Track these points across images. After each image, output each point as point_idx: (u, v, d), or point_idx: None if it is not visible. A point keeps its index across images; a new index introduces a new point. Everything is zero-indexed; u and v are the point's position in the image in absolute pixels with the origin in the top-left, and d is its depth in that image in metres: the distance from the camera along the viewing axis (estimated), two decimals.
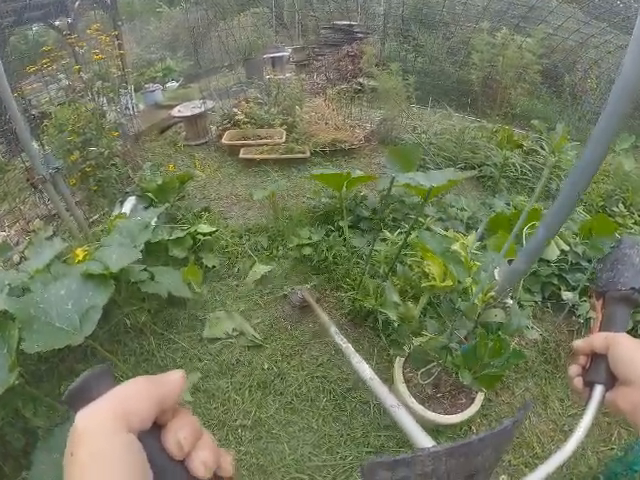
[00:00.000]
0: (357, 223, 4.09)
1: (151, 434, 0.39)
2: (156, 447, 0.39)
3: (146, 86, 8.96)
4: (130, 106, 7.78)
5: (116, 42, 5.27)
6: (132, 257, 2.88)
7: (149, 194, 4.00)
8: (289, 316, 3.47)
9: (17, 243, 4.72)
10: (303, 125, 5.85)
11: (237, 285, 3.78)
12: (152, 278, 3.15)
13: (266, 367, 3.04)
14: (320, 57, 10.57)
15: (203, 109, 6.39)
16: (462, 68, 8.06)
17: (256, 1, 11.94)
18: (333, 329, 2.49)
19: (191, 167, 5.29)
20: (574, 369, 0.72)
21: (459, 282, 2.08)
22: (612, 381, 0.65)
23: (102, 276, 2.60)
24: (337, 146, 5.65)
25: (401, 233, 3.59)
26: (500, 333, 1.78)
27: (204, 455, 0.40)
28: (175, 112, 6.56)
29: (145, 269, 3.13)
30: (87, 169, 3.85)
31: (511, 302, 1.92)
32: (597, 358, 0.68)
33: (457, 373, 1.87)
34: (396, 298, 2.52)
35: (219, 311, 3.45)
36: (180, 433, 0.40)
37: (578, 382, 0.70)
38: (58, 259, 3.06)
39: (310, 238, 3.81)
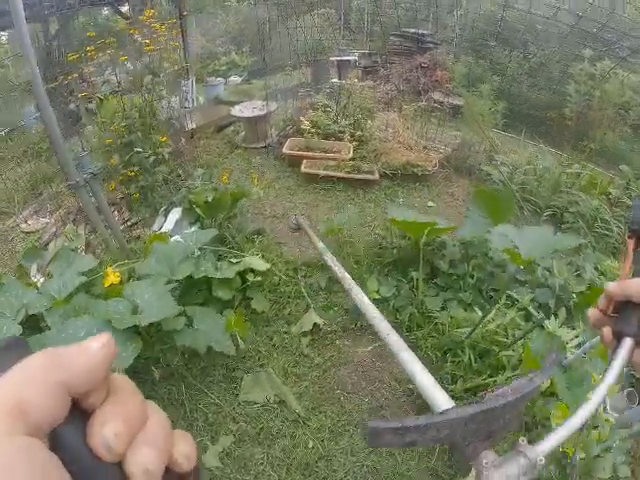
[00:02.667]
0: (433, 277, 3.22)
1: (72, 424, 0.25)
2: (78, 445, 0.25)
3: (208, 79, 8.29)
4: (190, 98, 7.13)
5: (173, 32, 4.57)
6: (167, 311, 2.17)
7: (197, 209, 3.26)
8: (343, 384, 2.72)
9: (55, 234, 4.10)
10: (374, 142, 4.99)
11: (286, 332, 3.00)
12: (189, 323, 2.44)
13: (310, 446, 2.42)
14: (388, 65, 9.69)
15: (265, 111, 5.62)
16: (542, 93, 6.98)
17: (324, 2, 11.17)
18: (329, 255, 2.23)
19: (247, 179, 4.51)
20: (595, 314, 0.59)
21: None
22: None
23: (129, 330, 2.04)
24: (409, 170, 4.76)
25: (486, 304, 2.79)
26: None
27: (145, 456, 0.25)
28: (236, 111, 5.80)
29: (182, 313, 2.40)
30: (129, 173, 3.12)
31: None
32: (630, 307, 0.55)
33: None
34: None
35: (258, 371, 2.70)
36: (109, 428, 0.25)
37: (607, 333, 0.57)
38: (84, 284, 2.43)
39: (378, 292, 2.99)
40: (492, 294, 3.12)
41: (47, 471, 0.23)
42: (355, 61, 10.23)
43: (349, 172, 4.50)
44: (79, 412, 0.26)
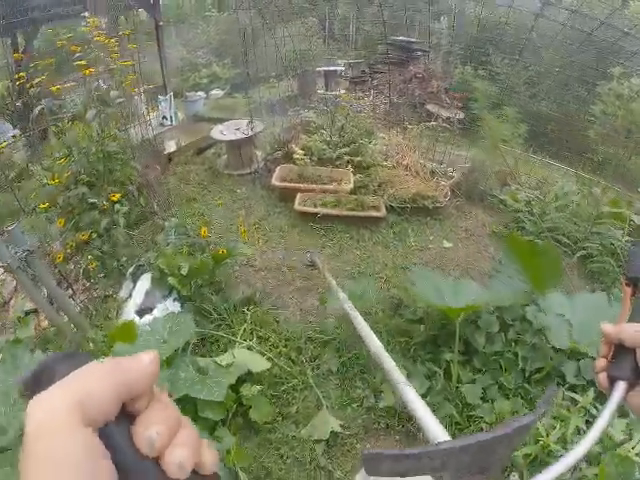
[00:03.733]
0: (469, 356, 2.53)
1: (119, 426, 0.29)
2: (124, 442, 0.29)
3: (188, 94, 7.51)
4: (169, 115, 6.35)
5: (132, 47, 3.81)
6: None
7: (170, 278, 2.50)
8: None
9: (16, 288, 3.22)
10: (376, 169, 4.29)
11: (294, 438, 2.26)
12: None
13: None
14: (377, 74, 9.04)
15: (249, 133, 4.88)
16: (552, 107, 6.35)
17: (307, 11, 10.48)
18: (342, 295, 2.12)
19: (232, 220, 3.76)
20: (600, 363, 0.59)
21: None
22: (637, 378, 0.54)
23: None
24: (419, 202, 4.07)
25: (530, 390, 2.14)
26: None
27: (180, 453, 0.29)
28: (216, 133, 5.04)
29: None
30: (82, 237, 2.36)
31: None
32: (623, 351, 0.55)
33: None
34: None
35: None
36: (153, 428, 0.29)
37: (602, 378, 0.58)
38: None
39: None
40: (537, 375, 2.46)
41: (99, 460, 0.27)
42: (342, 71, 9.59)
43: (352, 209, 3.78)
44: (125, 415, 0.29)
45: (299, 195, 3.98)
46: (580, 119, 5.31)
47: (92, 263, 2.47)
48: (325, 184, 4.22)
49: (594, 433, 0.52)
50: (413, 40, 9.31)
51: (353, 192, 3.99)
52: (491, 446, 0.45)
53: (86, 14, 3.94)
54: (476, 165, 4.73)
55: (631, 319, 0.59)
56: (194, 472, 0.30)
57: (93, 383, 0.28)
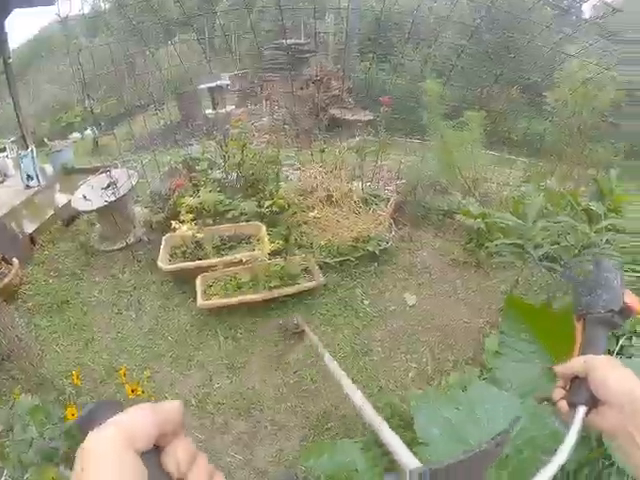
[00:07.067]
0: None
1: (151, 454, 0.36)
2: (155, 467, 0.36)
3: (51, 144, 5.73)
4: (34, 174, 4.67)
5: None
6: None
7: None
8: None
9: None
10: (296, 211, 3.09)
11: None
12: None
13: None
14: (267, 83, 7.84)
15: (122, 192, 3.44)
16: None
17: (184, 27, 9.02)
18: (326, 356, 1.83)
19: (123, 340, 2.38)
20: (557, 392, 0.64)
21: None
22: (594, 402, 0.58)
23: None
24: (361, 248, 2.94)
25: None
26: None
27: (199, 475, 0.38)
28: (77, 202, 3.52)
29: None
30: None
31: None
32: (578, 381, 0.61)
33: None
34: None
35: None
36: (178, 454, 0.37)
37: (562, 404, 0.62)
38: None
39: None
40: None
41: (142, 475, 0.34)
42: (227, 85, 8.30)
43: (277, 286, 2.53)
44: (155, 447, 0.37)
45: (200, 278, 2.66)
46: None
47: None
48: (233, 247, 2.95)
49: (562, 456, 0.53)
50: (301, 42, 8.27)
51: (273, 255, 2.75)
52: (453, 471, 0.45)
53: None
54: (411, 179, 3.71)
55: (583, 352, 0.63)
56: None
57: (139, 419, 0.36)
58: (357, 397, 1.54)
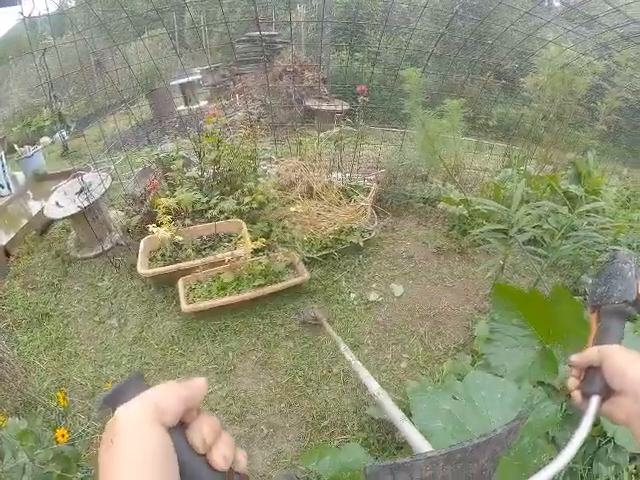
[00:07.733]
0: None
1: (177, 430, 0.37)
2: (181, 441, 0.37)
3: (20, 149, 5.43)
4: (4, 182, 4.45)
5: None
6: None
7: None
8: None
9: None
10: (275, 206, 3.01)
11: None
12: None
13: None
14: (239, 76, 7.66)
15: (95, 196, 3.29)
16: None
17: (153, 22, 8.71)
18: (342, 346, 1.83)
19: (108, 350, 2.27)
20: (572, 382, 0.63)
21: None
22: (608, 392, 0.57)
23: None
24: (344, 241, 2.89)
25: None
26: None
27: (224, 450, 0.38)
28: (50, 210, 3.34)
29: None
30: None
31: None
32: (592, 370, 0.60)
33: None
34: None
35: None
36: (204, 430, 0.38)
37: (577, 394, 0.61)
38: None
39: None
40: None
41: (170, 451, 0.35)
42: (199, 80, 8.08)
43: (262, 284, 2.46)
44: (181, 423, 0.38)
45: (182, 281, 2.56)
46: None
47: None
48: (214, 247, 2.85)
49: (575, 444, 0.52)
50: (273, 33, 8.08)
51: (256, 252, 2.67)
52: (472, 455, 0.46)
53: None
54: (391, 167, 3.66)
55: (597, 342, 0.62)
56: (231, 469, 0.38)
57: (166, 395, 0.37)
58: (374, 388, 1.52)
